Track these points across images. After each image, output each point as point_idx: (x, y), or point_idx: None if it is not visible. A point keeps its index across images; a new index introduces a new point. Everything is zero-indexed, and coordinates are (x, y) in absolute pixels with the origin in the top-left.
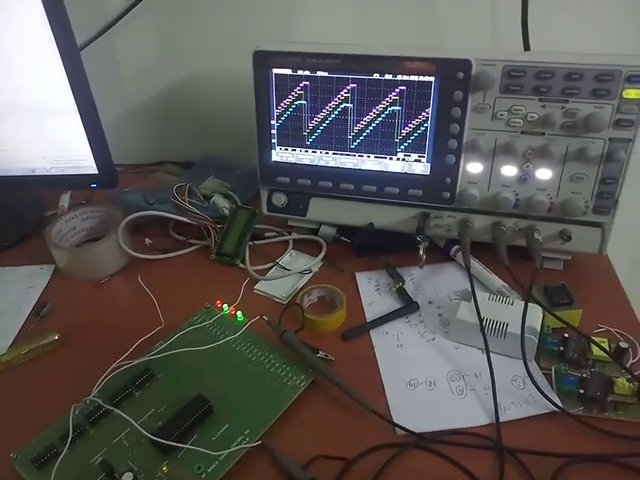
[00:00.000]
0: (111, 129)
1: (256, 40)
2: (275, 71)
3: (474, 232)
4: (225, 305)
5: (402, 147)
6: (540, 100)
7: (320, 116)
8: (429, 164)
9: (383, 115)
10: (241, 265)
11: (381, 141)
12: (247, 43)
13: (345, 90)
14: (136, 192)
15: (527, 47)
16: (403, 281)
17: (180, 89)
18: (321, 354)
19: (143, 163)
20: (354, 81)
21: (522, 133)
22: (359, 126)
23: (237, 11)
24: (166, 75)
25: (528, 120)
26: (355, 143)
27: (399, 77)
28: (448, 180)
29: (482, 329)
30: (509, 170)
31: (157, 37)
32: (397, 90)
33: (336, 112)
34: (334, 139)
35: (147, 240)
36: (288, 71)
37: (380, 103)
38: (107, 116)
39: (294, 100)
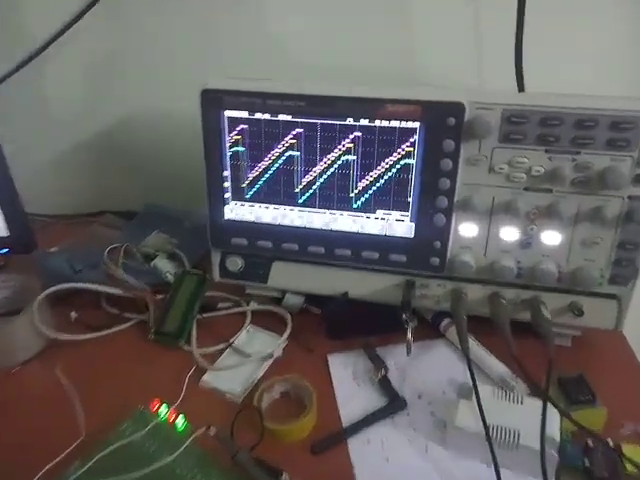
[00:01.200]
0: (40, 175)
1: (206, 68)
2: (228, 114)
3: (469, 305)
4: (163, 406)
5: (380, 203)
6: (547, 151)
7: (268, 163)
8: (413, 224)
9: (345, 164)
10: (186, 347)
11: (355, 196)
12: (197, 73)
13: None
14: (61, 255)
15: (521, 87)
16: (386, 368)
17: (120, 128)
18: (285, 478)
19: (79, 214)
20: (322, 127)
21: (525, 190)
22: (313, 176)
23: (184, 41)
24: (104, 112)
25: (532, 174)
26: (318, 198)
27: (377, 122)
28: (437, 244)
29: (489, 440)
30: (510, 233)
31: (91, 70)
32: (368, 137)
33: (282, 160)
34: (297, 194)
35: (73, 314)
36: (244, 114)
37: (337, 151)
38: (36, 160)
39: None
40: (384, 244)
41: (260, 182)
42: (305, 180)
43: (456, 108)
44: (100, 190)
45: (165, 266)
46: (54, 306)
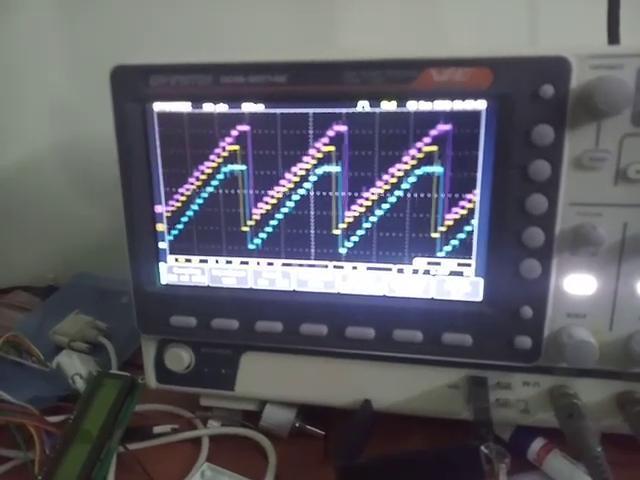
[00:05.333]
0: None
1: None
2: (158, 107)
3: (591, 418)
4: None
5: (423, 246)
6: None
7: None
8: (481, 280)
9: (385, 189)
10: None
11: (378, 236)
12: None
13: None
14: None
15: (615, 39)
16: None
17: (24, 171)
18: None
19: None
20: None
21: None
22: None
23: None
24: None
25: None
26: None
27: (410, 105)
28: (526, 311)
29: None
30: None
31: None
32: (396, 133)
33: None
34: (290, 236)
35: None
36: (186, 106)
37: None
38: None
39: (222, 163)
40: (432, 316)
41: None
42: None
43: (556, 67)
44: (8, 259)
45: (74, 366)
46: None
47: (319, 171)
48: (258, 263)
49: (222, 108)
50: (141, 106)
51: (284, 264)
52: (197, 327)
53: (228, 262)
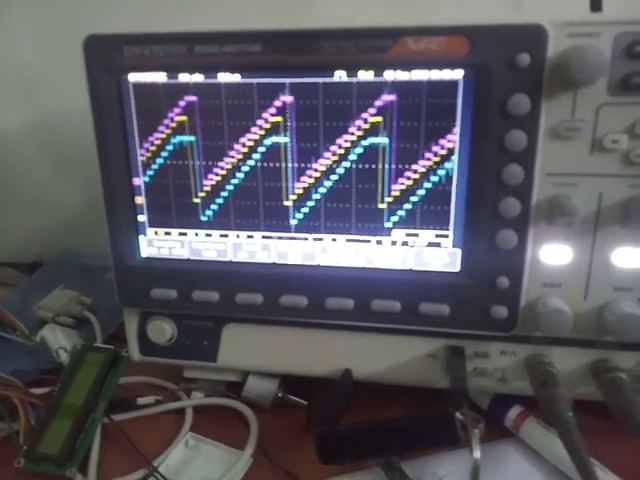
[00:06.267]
0: None
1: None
2: (133, 78)
3: (564, 385)
4: None
5: (399, 218)
6: None
7: (226, 165)
8: (459, 251)
9: (355, 154)
10: (78, 478)
11: (357, 208)
12: None
13: (273, 108)
14: None
15: (597, 6)
16: None
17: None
18: None
19: None
20: (291, 89)
21: None
22: (307, 180)
23: None
24: None
25: None
26: (301, 214)
27: (386, 76)
28: (503, 282)
29: None
30: (631, 256)
31: None
32: (380, 102)
33: (258, 154)
34: (261, 208)
35: None
36: (161, 76)
37: (347, 130)
38: None
39: (172, 134)
40: (410, 286)
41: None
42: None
43: (533, 35)
44: None
45: (57, 339)
46: None
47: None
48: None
49: (198, 78)
50: (116, 77)
51: (264, 237)
52: (178, 299)
53: (208, 235)
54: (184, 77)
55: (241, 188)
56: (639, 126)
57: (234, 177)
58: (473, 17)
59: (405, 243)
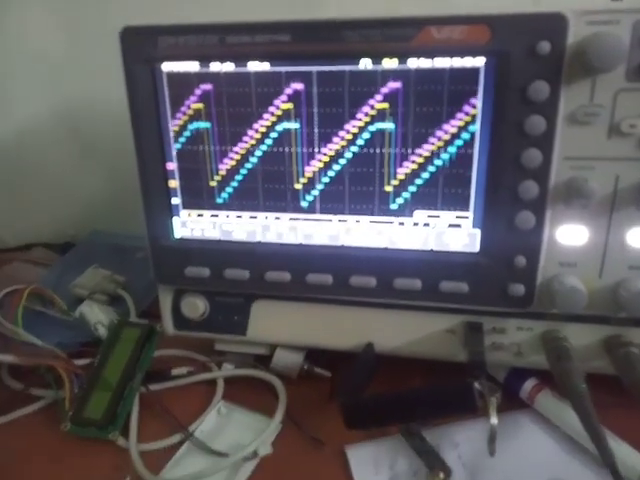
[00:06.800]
0: None
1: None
2: (167, 67)
3: (578, 359)
4: None
5: (422, 200)
6: None
7: (240, 150)
8: (478, 231)
9: (362, 139)
10: (120, 442)
11: (381, 191)
12: None
13: (285, 94)
14: None
15: None
16: (447, 469)
17: (47, 131)
18: None
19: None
20: (319, 78)
21: None
22: (319, 161)
23: None
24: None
25: None
26: (318, 196)
27: (410, 63)
28: (520, 261)
29: None
30: None
31: None
32: (397, 91)
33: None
34: (284, 191)
35: None
36: (194, 65)
37: (359, 111)
38: None
39: (189, 121)
40: (430, 265)
41: (238, 178)
42: (310, 169)
43: (553, 24)
44: (27, 217)
45: (95, 315)
46: None
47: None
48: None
49: (229, 67)
50: (150, 66)
51: (291, 219)
52: (210, 277)
53: (238, 217)
54: (215, 66)
55: (254, 171)
56: None
57: (248, 161)
58: (495, 6)
59: (427, 224)
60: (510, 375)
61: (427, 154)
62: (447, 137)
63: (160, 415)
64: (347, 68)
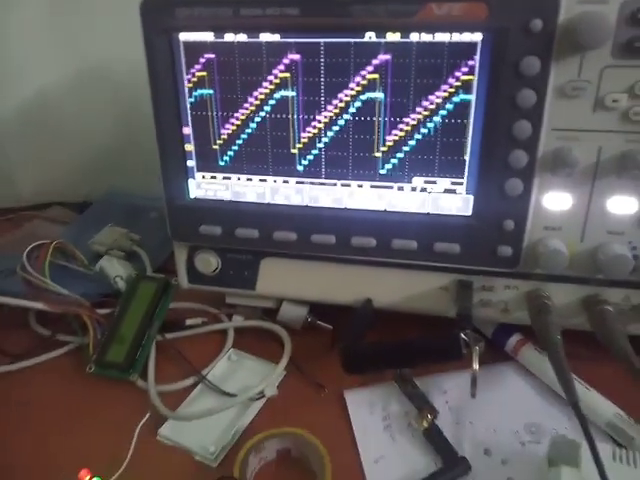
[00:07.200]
0: None
1: None
2: (184, 37)
3: (557, 315)
4: None
5: (420, 167)
6: None
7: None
8: (471, 197)
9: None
10: (139, 383)
11: (382, 157)
12: None
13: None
14: None
15: None
16: (434, 411)
17: (65, 91)
18: None
19: (17, 207)
20: (327, 50)
21: None
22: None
23: None
24: (36, 75)
25: None
26: (325, 163)
27: (413, 37)
28: (509, 224)
29: None
30: (624, 204)
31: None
32: (399, 62)
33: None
34: (294, 157)
35: None
36: (208, 36)
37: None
38: None
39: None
40: (426, 227)
41: (238, 142)
42: (306, 135)
43: (545, 3)
44: (45, 176)
45: (115, 269)
46: None
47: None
48: (285, 181)
49: (241, 38)
50: (168, 36)
51: (297, 182)
52: (222, 235)
53: (248, 179)
54: (229, 37)
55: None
56: (638, 87)
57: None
58: None
59: (424, 190)
60: (497, 330)
61: (414, 123)
62: (433, 107)
63: (176, 360)
64: (352, 40)
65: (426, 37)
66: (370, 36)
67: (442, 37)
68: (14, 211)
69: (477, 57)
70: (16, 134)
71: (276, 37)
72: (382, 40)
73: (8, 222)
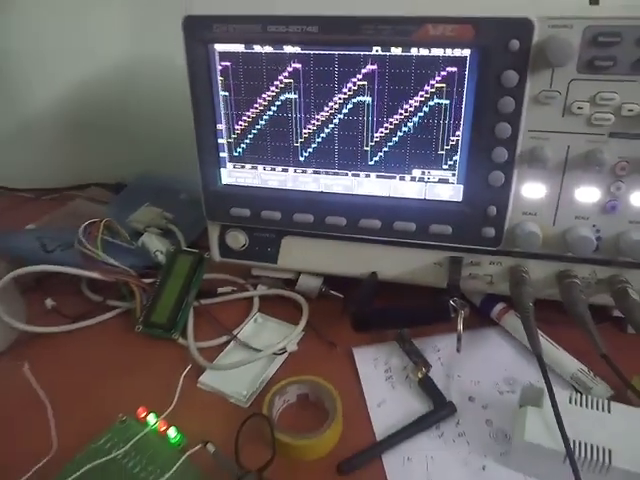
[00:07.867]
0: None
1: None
2: (219, 47)
3: (532, 287)
4: (151, 415)
5: (417, 160)
6: None
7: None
8: (461, 186)
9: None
10: (180, 341)
11: (385, 152)
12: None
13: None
14: (31, 233)
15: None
16: (427, 365)
17: (101, 84)
18: None
19: (60, 187)
20: (341, 59)
21: (612, 136)
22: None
23: None
24: (78, 64)
25: (623, 115)
26: (338, 156)
27: (413, 51)
28: (492, 210)
29: (572, 462)
30: (588, 194)
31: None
32: (400, 72)
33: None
34: (286, 148)
35: (48, 302)
36: (240, 47)
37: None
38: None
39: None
40: (423, 212)
41: (249, 136)
42: (306, 131)
43: (522, 26)
44: (84, 159)
45: (154, 244)
46: (27, 292)
47: (357, 99)
48: (303, 171)
49: (268, 49)
50: (205, 47)
51: (314, 172)
52: (250, 217)
53: (272, 169)
54: (257, 48)
55: (262, 131)
56: (599, 97)
57: (257, 123)
58: (480, 8)
59: (422, 179)
60: (484, 300)
61: (396, 122)
62: (412, 109)
63: (210, 322)
64: (362, 52)
65: (423, 51)
66: (377, 49)
67: (436, 51)
68: (58, 191)
69: (467, 70)
70: (52, 126)
71: (297, 49)
72: (387, 53)
73: (53, 201)
